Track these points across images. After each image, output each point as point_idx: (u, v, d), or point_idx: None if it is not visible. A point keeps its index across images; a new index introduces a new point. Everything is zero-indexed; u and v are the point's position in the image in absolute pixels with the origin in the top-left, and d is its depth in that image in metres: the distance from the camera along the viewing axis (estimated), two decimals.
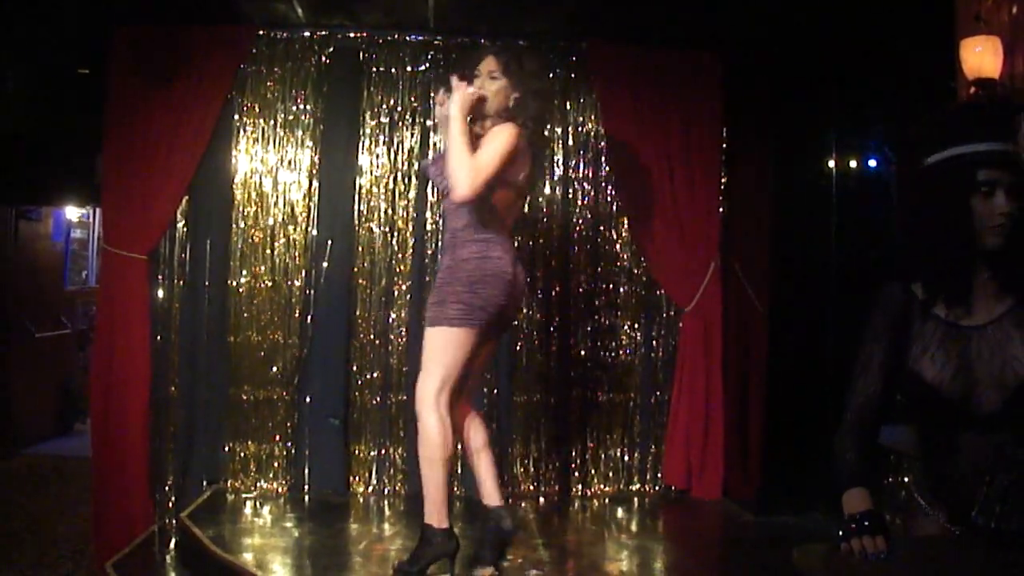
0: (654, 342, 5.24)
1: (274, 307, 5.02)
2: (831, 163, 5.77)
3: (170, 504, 4.86)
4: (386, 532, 4.51)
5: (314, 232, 5.05)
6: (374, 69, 5.10)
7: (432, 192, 5.01)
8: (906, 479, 5.34)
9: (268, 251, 5.02)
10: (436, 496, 3.42)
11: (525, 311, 5.00)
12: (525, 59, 3.67)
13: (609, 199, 5.22)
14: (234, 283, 5.01)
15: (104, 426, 4.80)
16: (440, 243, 4.99)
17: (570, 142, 5.18)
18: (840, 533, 2.19)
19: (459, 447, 3.66)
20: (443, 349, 3.42)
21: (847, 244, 5.57)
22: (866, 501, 2.21)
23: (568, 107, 5.17)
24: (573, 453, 5.16)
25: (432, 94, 4.97)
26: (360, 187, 5.08)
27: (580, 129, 5.20)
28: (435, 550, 3.43)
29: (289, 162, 5.04)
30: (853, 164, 6.01)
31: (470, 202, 3.39)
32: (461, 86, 3.46)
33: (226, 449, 4.98)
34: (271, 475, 4.99)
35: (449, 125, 3.41)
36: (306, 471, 4.98)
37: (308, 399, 5.02)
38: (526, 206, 4.55)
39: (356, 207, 5.07)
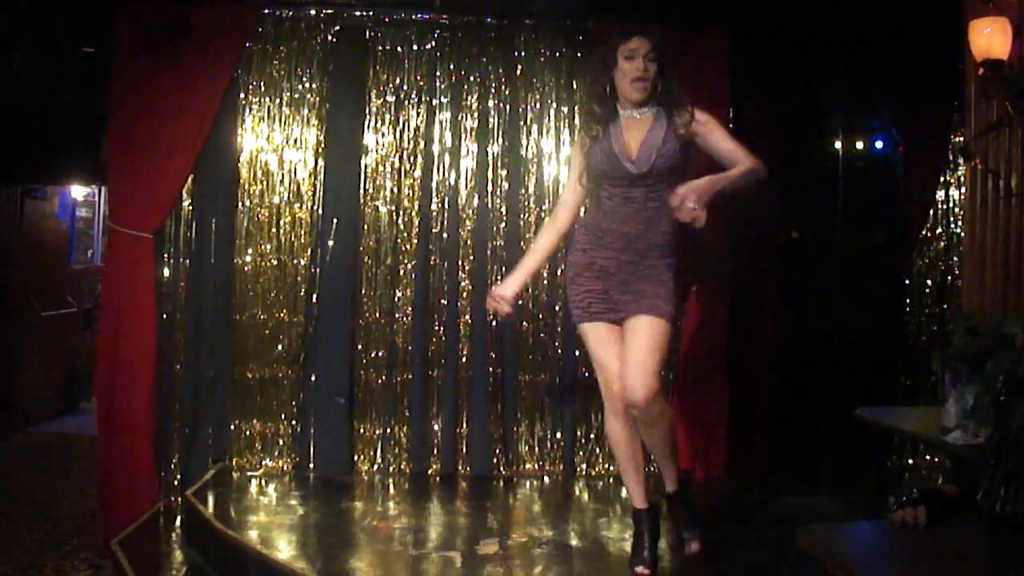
0: None
1: (279, 286, 5.02)
2: (837, 144, 5.74)
3: (175, 482, 4.89)
4: (391, 511, 4.53)
5: (320, 211, 5.04)
6: (380, 48, 5.07)
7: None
8: (909, 461, 5.37)
9: (274, 230, 5.01)
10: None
11: (529, 290, 4.97)
12: (663, 40, 3.47)
13: None
14: (239, 262, 5.01)
15: (110, 404, 4.81)
16: (445, 222, 5.00)
17: (577, 121, 5.15)
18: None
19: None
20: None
21: (853, 224, 5.56)
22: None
23: (575, 86, 5.14)
24: (578, 432, 5.16)
25: (438, 72, 5.06)
26: (366, 166, 5.06)
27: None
28: None
29: (295, 141, 5.03)
30: (860, 145, 5.98)
31: None
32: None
33: (231, 427, 5.00)
34: (276, 453, 5.00)
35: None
36: (311, 450, 5.01)
37: (313, 378, 5.03)
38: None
39: (362, 186, 5.06)
